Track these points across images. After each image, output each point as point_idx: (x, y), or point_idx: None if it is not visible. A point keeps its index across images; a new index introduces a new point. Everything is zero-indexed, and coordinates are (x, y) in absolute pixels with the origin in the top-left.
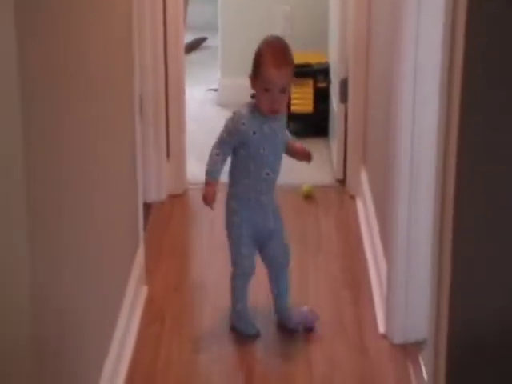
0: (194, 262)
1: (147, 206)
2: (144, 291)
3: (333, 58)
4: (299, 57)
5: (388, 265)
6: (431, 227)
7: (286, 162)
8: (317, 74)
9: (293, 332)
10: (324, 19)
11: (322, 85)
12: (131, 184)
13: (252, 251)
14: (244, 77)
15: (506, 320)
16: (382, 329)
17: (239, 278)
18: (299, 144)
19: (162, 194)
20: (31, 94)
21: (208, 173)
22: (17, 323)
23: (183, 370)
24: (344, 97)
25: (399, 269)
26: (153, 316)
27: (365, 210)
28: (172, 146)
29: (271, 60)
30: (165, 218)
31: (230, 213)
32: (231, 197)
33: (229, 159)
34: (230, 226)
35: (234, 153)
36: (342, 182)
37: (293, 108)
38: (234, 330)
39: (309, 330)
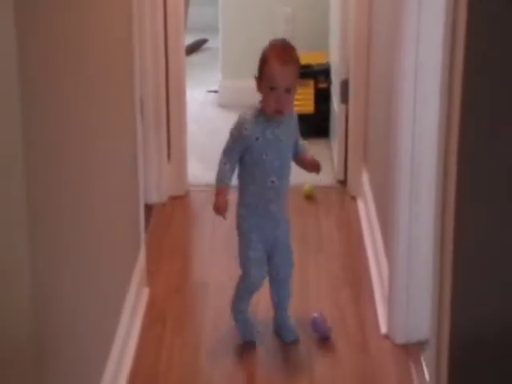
0: (196, 264)
1: (148, 208)
2: (145, 293)
3: (334, 59)
4: (300, 58)
5: (389, 264)
6: (432, 226)
7: None
8: (318, 74)
9: (289, 344)
10: (325, 20)
11: (322, 85)
12: (132, 185)
13: (261, 257)
14: (245, 78)
15: (508, 319)
16: (383, 329)
17: (245, 286)
18: (310, 156)
19: (163, 196)
20: (31, 93)
21: (217, 181)
22: (17, 323)
23: (185, 372)
24: (345, 97)
25: (400, 268)
26: (154, 318)
27: (366, 210)
28: (173, 148)
29: (276, 58)
30: (166, 220)
31: (239, 219)
32: (240, 204)
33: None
34: (240, 231)
35: (241, 159)
36: (343, 182)
37: (294, 108)
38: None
39: (325, 339)
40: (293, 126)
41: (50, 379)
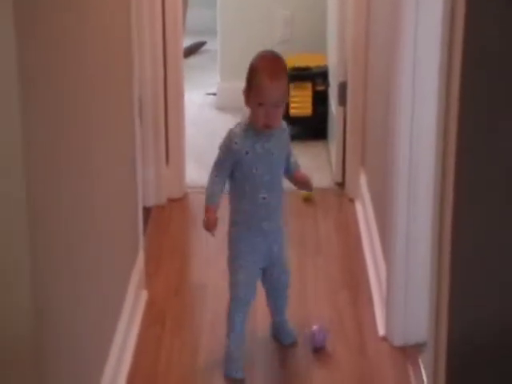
0: (194, 265)
1: (147, 210)
2: (144, 295)
3: (332, 61)
4: (298, 60)
5: (387, 266)
6: (430, 228)
7: None
8: (316, 77)
9: (287, 347)
10: (323, 23)
11: (320, 88)
12: (131, 188)
13: (252, 278)
14: (243, 81)
15: (506, 321)
16: (381, 331)
17: (234, 306)
18: (302, 174)
19: (162, 198)
20: (31, 94)
21: (207, 198)
22: (17, 323)
23: (184, 373)
24: (343, 100)
25: (398, 270)
26: (153, 319)
27: (364, 213)
28: (171, 150)
29: (265, 72)
30: (164, 222)
31: (231, 243)
32: (232, 224)
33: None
34: (231, 253)
35: (231, 175)
36: (341, 185)
37: (292, 111)
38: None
39: (318, 349)
40: (284, 138)
41: (49, 379)
